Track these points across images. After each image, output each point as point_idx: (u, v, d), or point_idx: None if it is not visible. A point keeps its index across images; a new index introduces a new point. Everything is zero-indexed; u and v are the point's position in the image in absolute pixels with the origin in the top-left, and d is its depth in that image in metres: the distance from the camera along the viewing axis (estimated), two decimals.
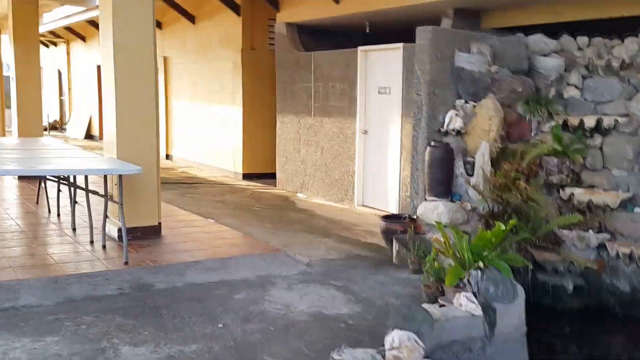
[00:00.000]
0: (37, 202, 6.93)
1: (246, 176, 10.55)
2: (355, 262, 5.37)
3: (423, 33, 5.49)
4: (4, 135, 12.24)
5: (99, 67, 16.64)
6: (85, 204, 5.70)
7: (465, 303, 3.60)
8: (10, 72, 9.09)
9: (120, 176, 4.72)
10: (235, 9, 10.01)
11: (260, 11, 10.09)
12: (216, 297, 4.20)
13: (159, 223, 5.63)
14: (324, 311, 4.02)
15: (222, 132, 11.11)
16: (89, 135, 17.56)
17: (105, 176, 4.96)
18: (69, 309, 3.78)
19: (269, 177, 10.44)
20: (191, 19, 11.49)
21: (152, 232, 5.52)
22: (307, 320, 3.85)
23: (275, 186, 9.73)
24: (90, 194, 5.42)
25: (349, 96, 8.07)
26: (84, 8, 12.31)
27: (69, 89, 19.12)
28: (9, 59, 9.48)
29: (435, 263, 4.19)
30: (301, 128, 9.09)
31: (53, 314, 3.69)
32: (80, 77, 18.26)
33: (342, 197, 8.31)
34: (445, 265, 4.25)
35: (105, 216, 5.19)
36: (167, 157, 13.00)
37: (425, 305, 3.52)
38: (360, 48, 7.80)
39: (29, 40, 8.67)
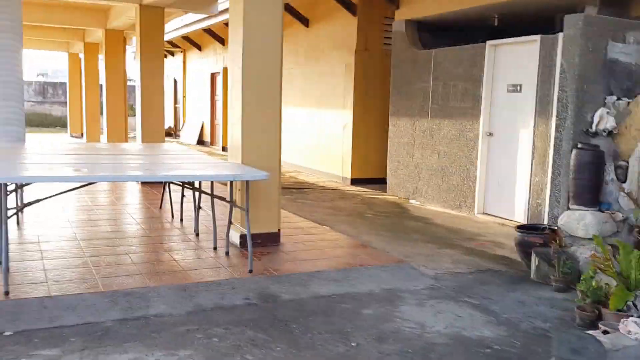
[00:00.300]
0: (161, 207, 7.09)
1: (355, 181, 10.33)
2: (487, 277, 4.93)
3: (572, 22, 4.91)
4: (126, 141, 12.89)
5: (212, 75, 17.23)
6: (207, 208, 5.72)
7: (635, 330, 3.08)
8: (135, 81, 9.48)
9: (247, 182, 4.62)
10: (352, 8, 9.83)
11: (376, 10, 9.85)
12: (344, 312, 3.96)
13: (279, 230, 5.50)
14: (463, 333, 3.65)
15: (331, 136, 10.98)
16: (200, 141, 18.19)
17: (230, 182, 4.89)
18: (199, 319, 3.69)
19: (378, 182, 10.16)
20: (304, 22, 11.47)
21: (272, 239, 5.41)
22: (446, 342, 3.49)
23: (386, 192, 9.42)
24: (212, 199, 5.39)
25: (473, 96, 7.59)
26: (205, 15, 12.67)
27: (184, 97, 19.95)
28: (133, 68, 9.93)
29: (593, 282, 3.67)
30: (416, 131, 8.71)
31: (184, 324, 3.61)
32: (194, 85, 18.99)
33: (460, 204, 7.84)
34: (603, 284, 3.72)
35: (230, 222, 5.13)
36: None
37: (591, 333, 3.05)
38: (488, 42, 7.29)
39: (154, 49, 8.98)
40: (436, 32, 8.93)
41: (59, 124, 24.12)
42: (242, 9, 5.10)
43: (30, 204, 4.33)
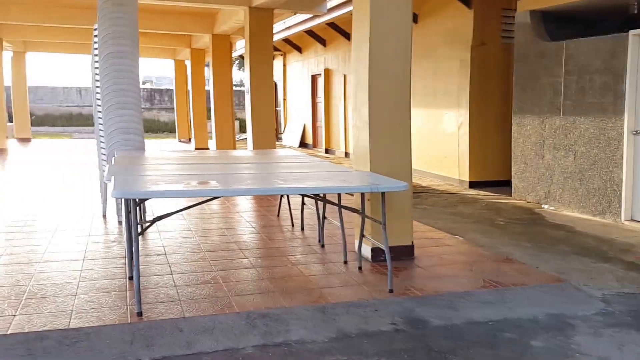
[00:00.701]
0: (278, 215, 6.84)
1: (473, 184, 9.67)
2: None
3: None
4: (235, 147, 12.93)
5: (313, 77, 17.07)
6: (330, 217, 5.38)
7: None
8: (245, 85, 9.37)
9: (382, 193, 4.19)
10: (466, 1, 9.17)
11: (494, 1, 9.14)
12: (508, 343, 3.42)
13: (412, 242, 5.03)
14: None
15: (444, 136, 10.36)
16: (303, 144, 18.08)
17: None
18: (345, 347, 3.31)
19: (499, 185, 9.46)
20: (413, 17, 10.91)
21: (406, 253, 4.95)
22: None
23: (511, 196, 8.68)
24: (340, 210, 5.01)
25: (614, 90, 6.75)
26: (308, 16, 12.47)
27: (284, 99, 19.98)
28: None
29: None
30: (545, 130, 7.92)
31: (330, 353, 3.24)
32: (294, 87, 18.94)
33: (604, 209, 6.98)
34: None
35: (362, 235, 4.73)
36: None
37: None
38: (632, 32, 6.45)
39: (263, 52, 8.81)
40: (562, 23, 8.11)
41: (166, 129, 25.01)
42: (369, 4, 4.69)
43: (161, 217, 4.15)
